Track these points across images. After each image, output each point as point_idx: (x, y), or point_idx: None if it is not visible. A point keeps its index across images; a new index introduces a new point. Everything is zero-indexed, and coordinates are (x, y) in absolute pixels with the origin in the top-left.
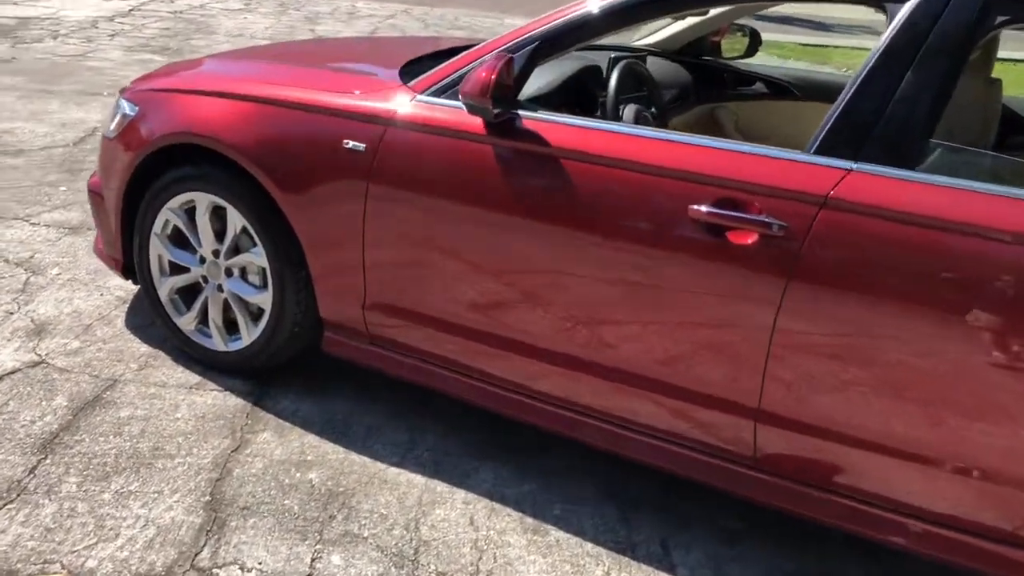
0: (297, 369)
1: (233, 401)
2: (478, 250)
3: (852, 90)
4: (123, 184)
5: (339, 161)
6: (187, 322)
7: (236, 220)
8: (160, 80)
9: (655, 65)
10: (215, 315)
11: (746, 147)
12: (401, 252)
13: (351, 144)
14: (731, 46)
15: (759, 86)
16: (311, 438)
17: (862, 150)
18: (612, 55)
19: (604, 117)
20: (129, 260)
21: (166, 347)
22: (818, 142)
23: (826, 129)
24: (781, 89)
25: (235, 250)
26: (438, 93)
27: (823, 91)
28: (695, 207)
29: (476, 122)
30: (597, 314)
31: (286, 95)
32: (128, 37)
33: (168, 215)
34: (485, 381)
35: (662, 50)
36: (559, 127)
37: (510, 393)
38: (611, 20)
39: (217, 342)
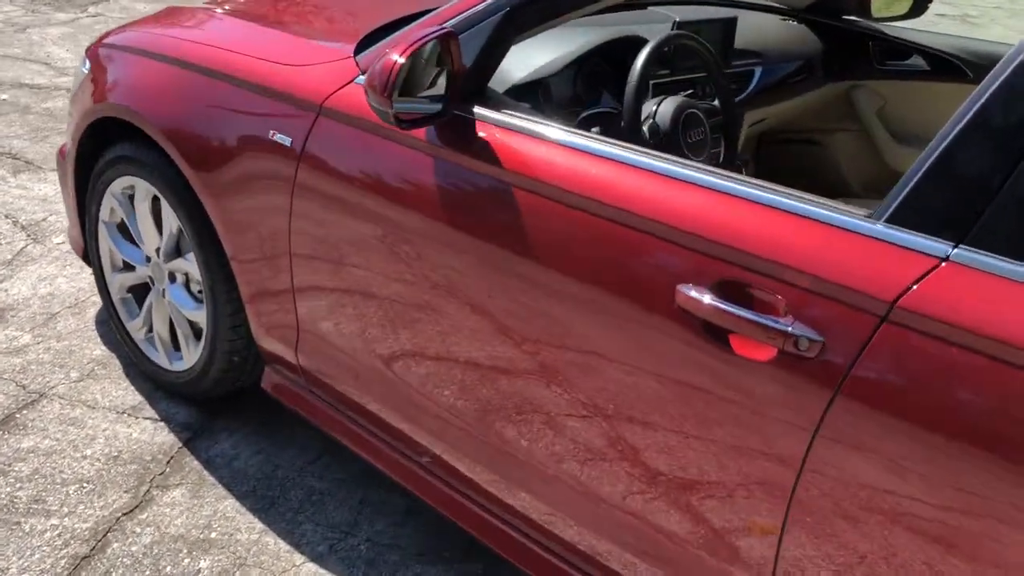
0: (260, 402)
1: (162, 437)
2: (406, 293)
3: (964, 122)
4: (72, 158)
5: (264, 157)
6: (136, 328)
7: (171, 216)
8: (117, 34)
9: (769, 27)
10: (159, 325)
11: (777, 196)
12: (330, 280)
13: (277, 136)
14: (887, 2)
15: (917, 60)
16: (229, 504)
17: (974, 226)
18: (677, 19)
19: (637, 107)
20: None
21: (120, 352)
22: (895, 205)
23: (911, 185)
24: (948, 67)
25: (177, 251)
26: None
27: None
28: (685, 290)
29: (418, 115)
30: (553, 412)
31: (219, 63)
32: None
33: (111, 201)
34: (429, 470)
35: (786, 6)
36: (518, 138)
37: (463, 498)
38: None
39: (161, 357)
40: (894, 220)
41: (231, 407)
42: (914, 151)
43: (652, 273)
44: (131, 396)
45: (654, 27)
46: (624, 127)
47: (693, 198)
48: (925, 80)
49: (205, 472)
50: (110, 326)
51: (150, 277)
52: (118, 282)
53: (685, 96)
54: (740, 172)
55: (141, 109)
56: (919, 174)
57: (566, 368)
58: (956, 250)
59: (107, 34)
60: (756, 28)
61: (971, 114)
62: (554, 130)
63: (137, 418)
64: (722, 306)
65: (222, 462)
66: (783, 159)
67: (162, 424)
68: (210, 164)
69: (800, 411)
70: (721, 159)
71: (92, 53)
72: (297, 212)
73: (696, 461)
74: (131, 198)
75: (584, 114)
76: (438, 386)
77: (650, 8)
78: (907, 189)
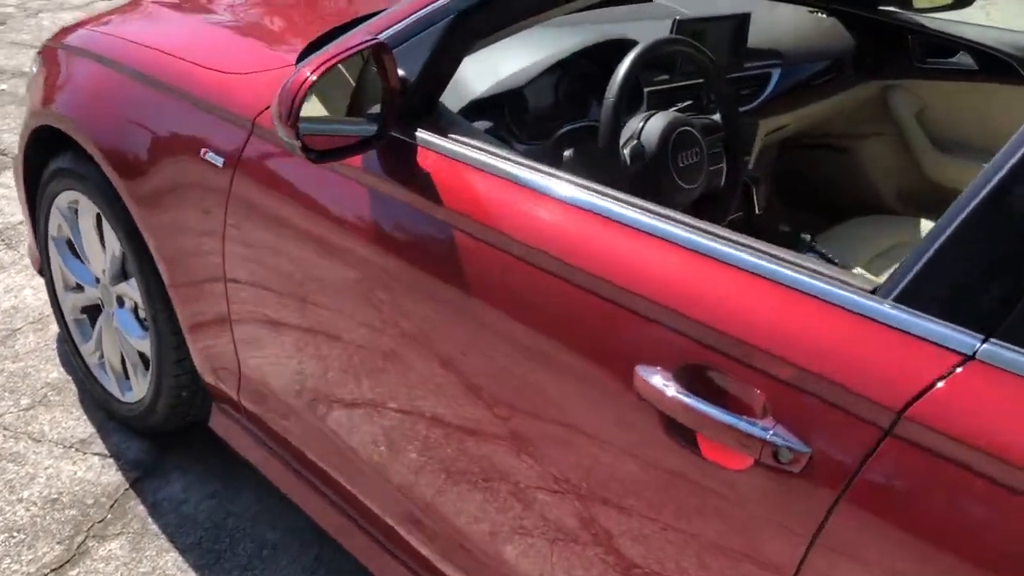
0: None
1: (108, 477)
2: (350, 338)
3: (999, 179)
4: (20, 165)
5: (197, 179)
6: (90, 352)
7: (113, 236)
8: (70, 31)
9: (792, 22)
10: (110, 352)
11: (759, 260)
12: (264, 312)
13: (208, 155)
14: None
15: (963, 58)
16: (171, 558)
17: (1012, 313)
18: (678, 18)
19: (615, 129)
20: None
21: (78, 376)
22: (908, 279)
23: (930, 253)
24: (1000, 66)
25: (123, 273)
26: None
27: None
28: (644, 374)
29: (350, 141)
30: (521, 485)
31: (158, 68)
32: None
33: (58, 216)
34: (380, 542)
35: None
36: (461, 169)
37: (396, 560)
38: None
39: (113, 385)
40: (906, 299)
41: (186, 441)
42: (957, 161)
43: (608, 347)
44: (82, 428)
45: (653, 25)
46: (600, 150)
47: (657, 256)
48: (973, 81)
49: (149, 519)
50: None
51: (100, 299)
52: (70, 302)
53: (680, 109)
54: (751, 191)
55: (78, 118)
56: (941, 239)
57: (529, 439)
58: (986, 345)
59: (62, 30)
60: (776, 23)
61: (993, 184)
62: (499, 161)
63: (85, 454)
64: (686, 400)
65: (170, 507)
66: (808, 167)
67: (111, 461)
68: (144, 183)
69: (783, 525)
70: (724, 181)
71: (45, 51)
72: (230, 240)
73: (674, 557)
74: (76, 213)
75: (565, 129)
76: (374, 444)
77: (656, 1)
78: (924, 259)
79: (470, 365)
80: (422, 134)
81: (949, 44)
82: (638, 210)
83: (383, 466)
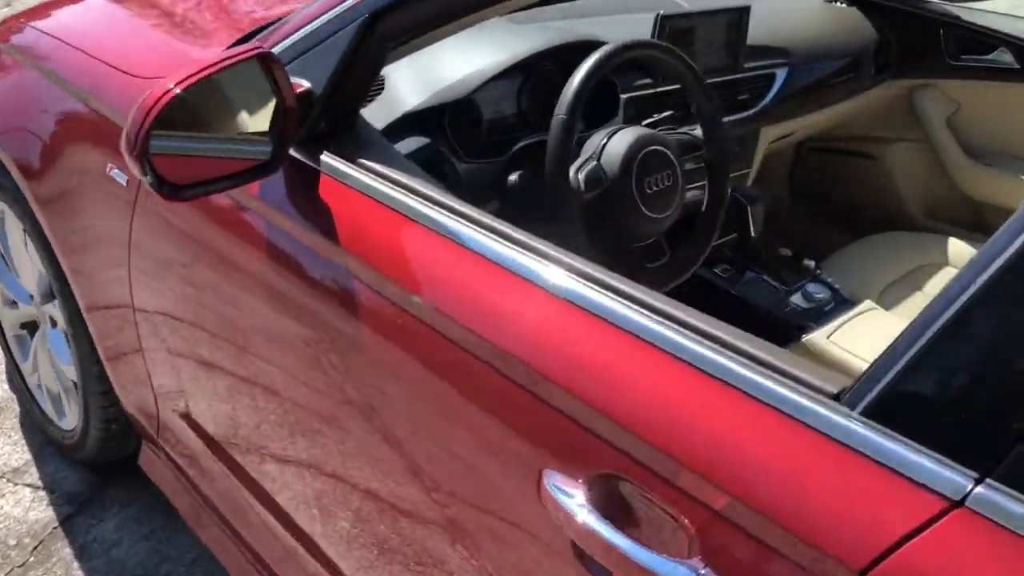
0: None
1: (38, 513)
2: (254, 379)
3: (1015, 251)
4: None
5: (104, 197)
6: (29, 372)
7: (35, 251)
8: (10, 22)
9: (804, 13)
10: (45, 374)
11: (702, 349)
12: (171, 342)
13: (114, 171)
14: None
15: (1002, 55)
16: None
17: (1018, 446)
18: (661, 13)
19: (564, 151)
20: None
21: (22, 397)
22: (880, 388)
23: (913, 352)
24: None
25: (52, 292)
26: None
27: None
28: (550, 483)
29: (241, 166)
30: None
31: (75, 71)
32: None
33: None
34: None
35: None
36: (365, 204)
37: None
38: None
39: (50, 409)
40: (877, 413)
41: (130, 470)
42: (992, 171)
43: (516, 443)
44: (18, 454)
45: (645, 20)
46: (547, 176)
47: (581, 335)
48: (1012, 81)
49: (75, 564)
50: None
51: (37, 316)
52: (8, 317)
53: (664, 119)
54: (747, 212)
55: None
56: (931, 332)
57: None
58: (981, 488)
59: (3, 23)
60: (785, 15)
61: (999, 269)
62: (410, 198)
63: (16, 484)
64: (595, 529)
65: (100, 548)
66: (821, 177)
67: (43, 493)
68: (56, 200)
69: None
70: (705, 204)
71: None
72: (135, 263)
73: None
74: (4, 224)
75: (523, 143)
76: (272, 505)
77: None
78: (906, 357)
79: (357, 427)
80: (328, 159)
81: (986, 39)
82: (562, 269)
83: (283, 540)
